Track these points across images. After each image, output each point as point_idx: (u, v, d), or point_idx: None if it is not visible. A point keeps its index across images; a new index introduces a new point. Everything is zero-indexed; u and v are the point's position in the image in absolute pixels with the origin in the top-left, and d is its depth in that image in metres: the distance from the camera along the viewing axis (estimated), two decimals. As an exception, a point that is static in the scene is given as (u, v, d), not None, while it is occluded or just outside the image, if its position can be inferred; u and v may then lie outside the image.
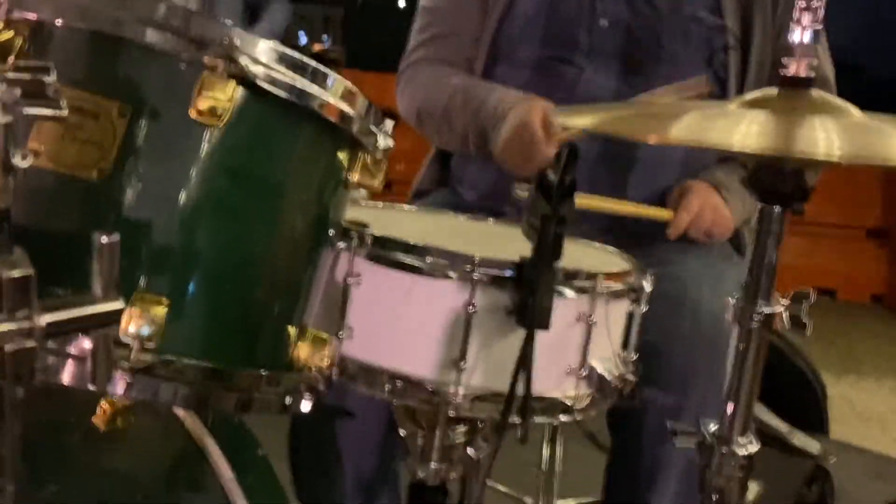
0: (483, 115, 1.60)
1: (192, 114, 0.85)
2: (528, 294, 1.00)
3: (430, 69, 1.76)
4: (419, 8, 1.83)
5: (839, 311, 4.94)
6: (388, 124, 1.02)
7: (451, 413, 1.06)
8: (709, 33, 1.64)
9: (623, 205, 1.57)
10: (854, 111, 0.94)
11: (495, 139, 1.56)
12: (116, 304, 0.74)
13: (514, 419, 1.03)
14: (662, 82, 1.62)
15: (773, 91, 0.96)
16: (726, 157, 1.68)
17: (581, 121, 1.06)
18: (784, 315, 1.00)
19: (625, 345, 1.16)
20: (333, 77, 0.93)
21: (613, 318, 1.12)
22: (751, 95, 0.97)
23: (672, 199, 1.61)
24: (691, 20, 1.63)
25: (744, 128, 0.90)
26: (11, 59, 0.83)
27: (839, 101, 0.95)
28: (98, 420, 1.12)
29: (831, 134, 0.88)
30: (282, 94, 0.89)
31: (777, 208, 0.97)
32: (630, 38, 1.63)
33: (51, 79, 0.68)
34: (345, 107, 0.95)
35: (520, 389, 1.01)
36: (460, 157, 1.79)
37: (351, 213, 1.06)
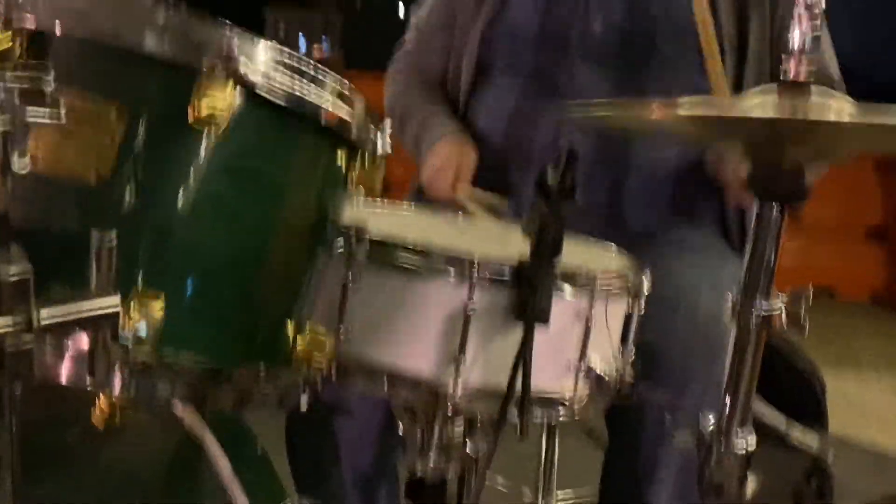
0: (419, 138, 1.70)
1: (191, 119, 0.85)
2: (527, 294, 1.00)
3: (401, 77, 1.84)
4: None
5: (838, 310, 4.93)
6: (387, 127, 1.02)
7: (450, 409, 1.06)
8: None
9: None
10: (851, 107, 0.94)
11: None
12: (113, 302, 0.75)
13: (513, 415, 1.03)
14: (655, 85, 1.61)
15: (772, 90, 0.95)
16: None
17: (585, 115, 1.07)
18: (782, 314, 1.00)
19: (623, 343, 1.16)
20: (332, 81, 0.93)
21: (612, 316, 1.12)
22: (751, 92, 0.97)
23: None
24: (685, 22, 1.62)
25: (758, 101, 0.91)
26: (10, 64, 0.83)
27: (838, 94, 0.94)
28: (96, 417, 1.12)
29: (840, 104, 0.89)
30: (280, 99, 0.89)
31: (776, 207, 0.97)
32: (624, 41, 1.62)
33: (49, 84, 0.68)
34: (343, 112, 0.95)
35: (519, 386, 1.01)
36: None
37: (350, 214, 1.06)
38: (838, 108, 0.89)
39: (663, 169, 1.64)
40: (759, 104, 0.91)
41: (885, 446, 3.13)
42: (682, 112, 0.96)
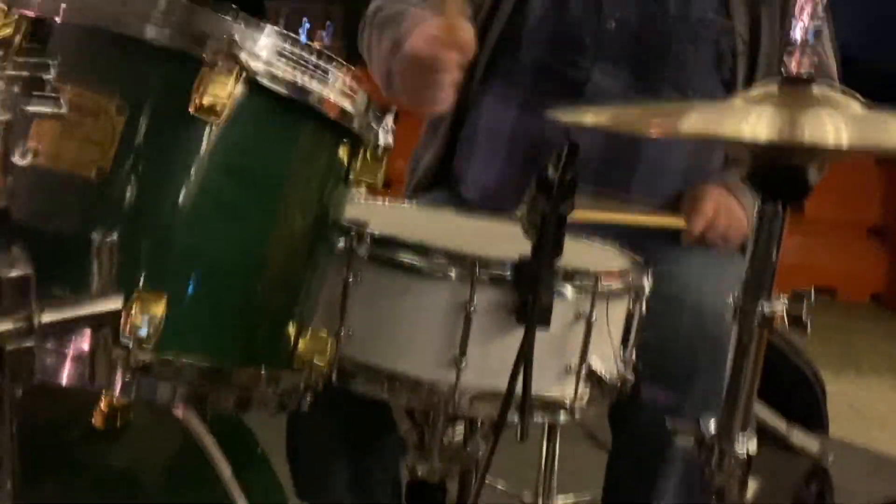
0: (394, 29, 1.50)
1: (192, 110, 0.84)
2: (527, 293, 1.00)
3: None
4: None
5: (839, 309, 4.94)
6: (389, 120, 1.02)
7: (451, 412, 1.06)
8: (717, 36, 1.63)
9: (634, 216, 1.55)
10: (854, 105, 0.94)
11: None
12: (115, 304, 0.74)
13: (513, 418, 1.03)
14: (670, 86, 1.61)
15: (773, 87, 0.95)
16: (732, 159, 1.68)
17: (588, 118, 1.06)
18: (784, 314, 1.00)
19: (624, 343, 1.16)
20: (334, 72, 0.93)
21: (613, 317, 1.12)
22: (753, 92, 0.97)
23: (684, 205, 1.59)
24: (700, 22, 1.62)
25: (753, 119, 0.91)
26: (11, 55, 0.83)
27: (840, 96, 0.95)
28: (97, 419, 1.12)
29: (838, 122, 0.89)
30: (282, 90, 0.88)
31: (778, 206, 0.96)
32: (638, 40, 1.62)
33: (50, 76, 0.68)
34: (345, 103, 0.95)
35: (519, 388, 1.01)
36: (463, 155, 1.78)
37: (351, 212, 1.05)
38: (836, 122, 0.89)
39: (671, 167, 1.63)
40: (756, 117, 0.91)
41: (886, 449, 3.13)
42: (682, 129, 0.96)
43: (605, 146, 1.57)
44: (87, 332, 0.78)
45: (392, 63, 1.46)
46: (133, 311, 0.83)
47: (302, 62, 0.90)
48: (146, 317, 0.84)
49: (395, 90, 1.49)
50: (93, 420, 1.12)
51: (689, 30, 1.61)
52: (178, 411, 1.13)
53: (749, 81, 1.64)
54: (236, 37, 0.85)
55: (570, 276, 1.06)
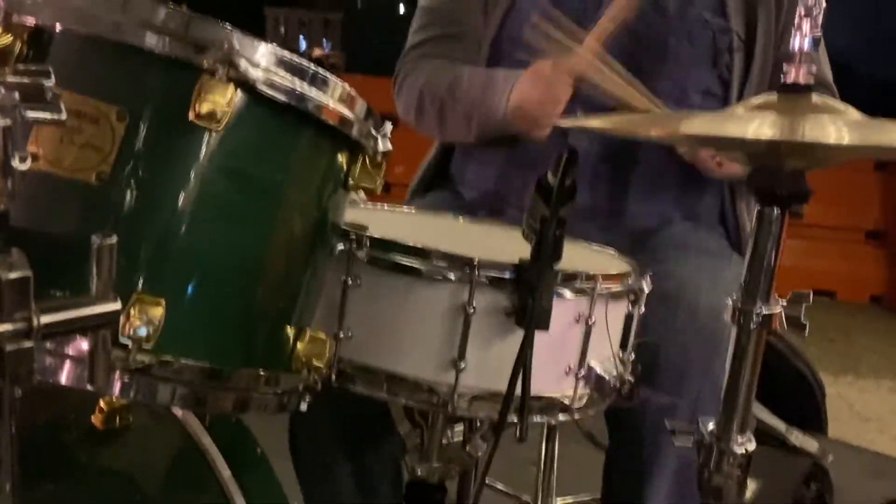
0: (492, 90, 1.59)
1: (191, 118, 0.84)
2: (527, 296, 1.00)
3: (433, 60, 1.74)
4: (418, 8, 1.82)
5: (838, 311, 4.95)
6: (387, 127, 1.02)
7: (450, 412, 1.06)
8: (714, 35, 1.63)
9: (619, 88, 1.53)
10: (853, 113, 0.94)
11: (509, 97, 1.55)
12: (114, 305, 0.74)
13: (513, 418, 1.03)
14: (667, 84, 1.61)
15: (773, 96, 0.96)
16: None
17: (590, 123, 1.07)
18: (782, 316, 1.00)
19: (623, 345, 1.16)
20: (333, 81, 0.93)
21: (612, 318, 1.12)
22: (753, 101, 0.97)
23: None
24: (696, 21, 1.63)
25: (757, 121, 0.91)
26: (11, 63, 0.83)
27: (839, 104, 0.95)
28: (96, 420, 1.12)
29: (839, 124, 0.89)
30: (281, 98, 0.89)
31: (776, 210, 0.97)
32: (635, 39, 1.62)
33: (50, 83, 0.68)
34: (344, 110, 0.95)
35: (518, 389, 1.01)
36: (461, 157, 1.79)
37: (350, 215, 1.06)
38: (837, 124, 0.89)
39: (668, 168, 1.64)
40: (759, 121, 0.91)
41: (885, 450, 3.13)
42: (683, 130, 0.97)
43: (601, 146, 1.58)
44: (87, 333, 0.78)
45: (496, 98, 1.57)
46: (132, 313, 0.84)
47: (300, 72, 0.90)
48: (145, 318, 0.84)
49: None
50: (93, 421, 1.12)
51: (686, 28, 1.62)
52: (178, 413, 1.13)
53: (745, 77, 1.65)
54: (236, 45, 0.85)
55: (569, 278, 1.06)
